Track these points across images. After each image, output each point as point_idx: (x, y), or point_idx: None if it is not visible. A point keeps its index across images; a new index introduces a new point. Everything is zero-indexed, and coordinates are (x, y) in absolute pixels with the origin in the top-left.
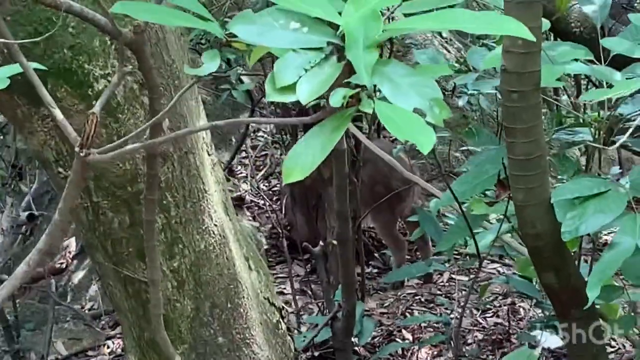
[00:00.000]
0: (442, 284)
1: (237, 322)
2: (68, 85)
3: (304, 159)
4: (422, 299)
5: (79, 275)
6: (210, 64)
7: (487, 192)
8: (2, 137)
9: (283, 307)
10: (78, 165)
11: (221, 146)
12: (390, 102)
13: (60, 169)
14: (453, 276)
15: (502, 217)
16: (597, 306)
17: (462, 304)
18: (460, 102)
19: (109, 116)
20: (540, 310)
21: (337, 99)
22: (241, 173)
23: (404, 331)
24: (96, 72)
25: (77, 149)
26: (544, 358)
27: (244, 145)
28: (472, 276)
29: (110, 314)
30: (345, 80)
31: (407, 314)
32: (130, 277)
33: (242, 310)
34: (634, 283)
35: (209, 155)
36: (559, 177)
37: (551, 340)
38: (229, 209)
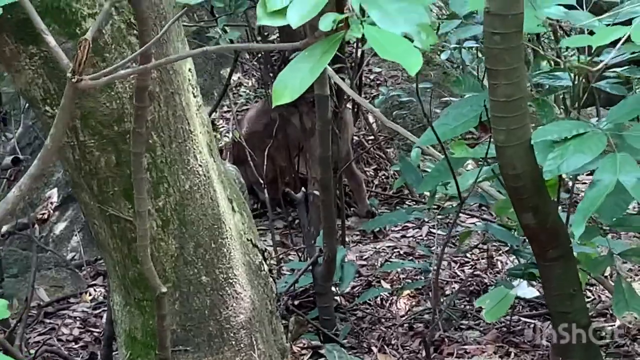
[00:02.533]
0: (420, 237)
1: (221, 261)
2: (56, 23)
3: (292, 81)
4: (401, 252)
5: (60, 227)
6: None
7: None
8: None
9: (265, 249)
10: (70, 91)
11: (203, 101)
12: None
13: (47, 107)
14: (432, 230)
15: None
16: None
17: (440, 252)
18: (443, 56)
19: (96, 55)
20: (517, 262)
21: (326, 23)
22: (223, 127)
23: (382, 281)
24: (84, 11)
25: (69, 75)
26: (520, 307)
27: (227, 100)
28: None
29: (91, 264)
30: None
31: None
32: (116, 216)
33: (225, 250)
34: (607, 222)
35: (194, 97)
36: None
37: (527, 290)
38: (214, 150)
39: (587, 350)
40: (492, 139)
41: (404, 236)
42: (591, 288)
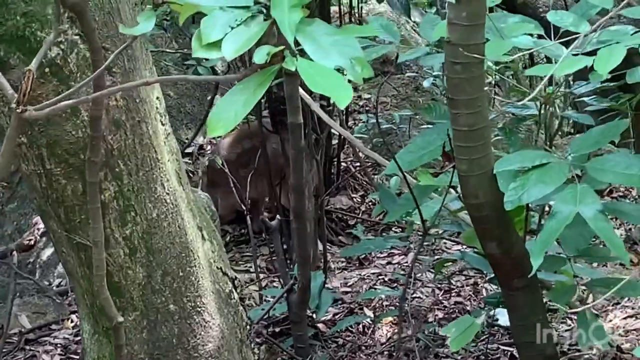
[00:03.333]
0: (406, 264)
1: (189, 289)
2: (21, 52)
3: (227, 114)
4: (386, 279)
5: (47, 252)
6: (145, 23)
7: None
8: None
9: (236, 278)
10: (15, 121)
11: (191, 126)
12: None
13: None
14: (418, 257)
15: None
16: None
17: (417, 279)
18: (426, 84)
19: (61, 84)
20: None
21: (261, 56)
22: (208, 151)
23: (365, 308)
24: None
25: (13, 105)
26: (499, 335)
27: None
28: (435, 257)
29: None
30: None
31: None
32: (83, 244)
33: (193, 278)
34: (571, 253)
35: (162, 125)
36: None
37: (505, 317)
38: (183, 178)
39: None
40: (456, 168)
41: (389, 263)
42: (572, 317)
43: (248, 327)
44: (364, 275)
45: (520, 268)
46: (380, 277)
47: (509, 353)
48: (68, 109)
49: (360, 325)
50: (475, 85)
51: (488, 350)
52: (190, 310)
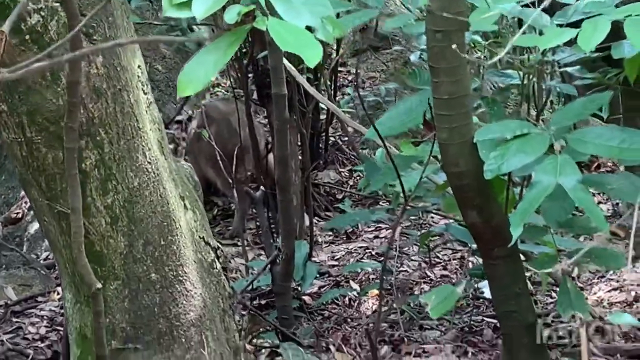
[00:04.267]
0: (394, 238)
1: (170, 259)
2: (1, 18)
3: (197, 74)
4: (373, 253)
5: (35, 226)
6: None
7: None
8: None
9: (218, 247)
10: None
11: (179, 100)
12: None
13: None
14: (405, 231)
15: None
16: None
17: (403, 253)
18: (413, 57)
19: (42, 51)
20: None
21: (231, 15)
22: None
23: (351, 281)
24: (29, 6)
25: None
26: (484, 307)
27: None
28: (422, 230)
29: None
30: None
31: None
32: (64, 213)
33: (175, 247)
34: (552, 225)
35: (144, 93)
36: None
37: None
38: (165, 148)
39: (532, 349)
40: (436, 137)
41: (376, 237)
42: (556, 289)
43: (231, 297)
44: (351, 249)
45: (500, 237)
46: (367, 250)
47: (492, 325)
48: (45, 73)
49: (347, 299)
50: (456, 53)
51: (472, 322)
52: (172, 279)
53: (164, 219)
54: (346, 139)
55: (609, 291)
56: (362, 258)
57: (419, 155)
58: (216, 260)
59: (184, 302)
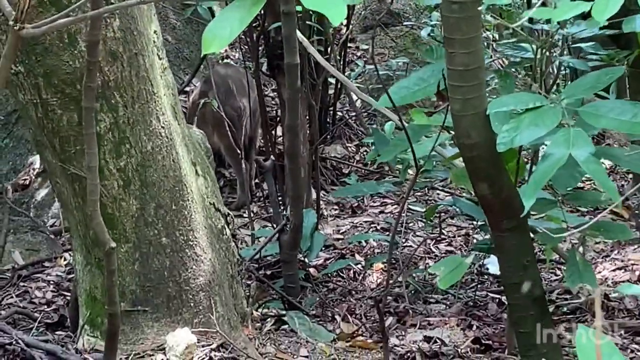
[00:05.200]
0: (398, 213)
1: (181, 223)
2: None
3: (222, 31)
4: (379, 227)
5: (42, 193)
6: None
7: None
8: None
9: (228, 214)
10: (13, 38)
11: (189, 71)
12: None
13: None
14: (410, 206)
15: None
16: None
17: (409, 228)
18: (423, 33)
19: (59, 11)
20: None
21: None
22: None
23: (356, 255)
24: None
25: (11, 23)
26: (489, 283)
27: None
28: (427, 206)
29: (68, 231)
30: None
31: (363, 240)
32: (77, 175)
33: (186, 212)
34: (562, 191)
35: (159, 58)
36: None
37: (495, 267)
38: (178, 114)
39: (540, 320)
40: (449, 108)
41: (382, 212)
42: (560, 267)
43: (239, 264)
44: (357, 223)
45: (510, 209)
46: (372, 225)
47: (497, 300)
48: (64, 34)
49: (351, 271)
50: (471, 24)
51: (476, 297)
52: (182, 244)
53: (176, 183)
54: (354, 113)
55: (613, 270)
56: (367, 232)
57: (431, 124)
58: (226, 227)
59: (194, 266)
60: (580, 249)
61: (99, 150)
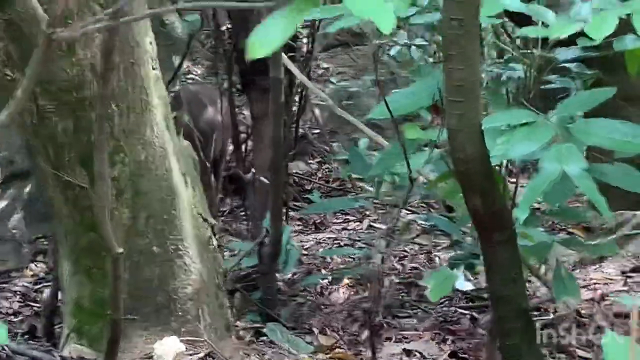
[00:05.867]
0: (361, 230)
1: (172, 233)
2: None
3: (270, 35)
4: (342, 243)
5: (2, 204)
6: None
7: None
8: None
9: (215, 224)
10: (45, 43)
11: None
12: None
13: (8, 71)
14: (372, 224)
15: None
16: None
17: (371, 245)
18: (392, 51)
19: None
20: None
21: None
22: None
23: (323, 270)
24: None
25: (44, 27)
26: (457, 299)
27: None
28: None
29: (32, 242)
30: None
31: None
32: (70, 183)
33: (177, 222)
34: (551, 205)
35: (153, 69)
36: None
37: (465, 283)
38: (170, 124)
39: (525, 333)
40: (444, 123)
41: (344, 228)
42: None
43: (225, 274)
44: (320, 239)
45: (501, 222)
46: (336, 241)
47: (468, 315)
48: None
49: (318, 287)
50: (470, 40)
51: (446, 313)
52: (172, 253)
53: (168, 193)
54: (316, 130)
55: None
56: (331, 248)
57: (423, 139)
58: (213, 237)
59: (183, 276)
60: (553, 263)
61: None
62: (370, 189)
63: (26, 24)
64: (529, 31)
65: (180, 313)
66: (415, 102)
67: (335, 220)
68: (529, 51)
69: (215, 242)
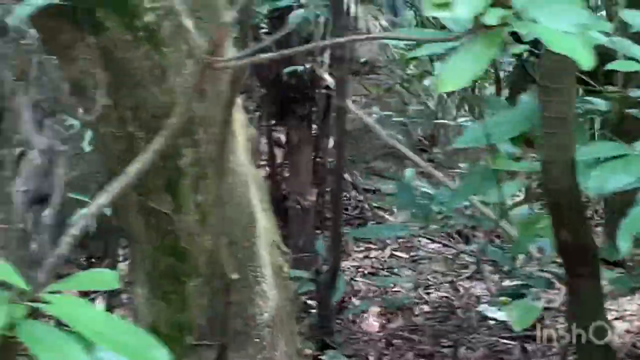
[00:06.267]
0: (383, 259)
1: (252, 260)
2: (117, 14)
3: (459, 72)
4: (365, 272)
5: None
6: None
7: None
8: None
9: (287, 252)
10: (202, 70)
11: None
12: None
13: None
14: (394, 252)
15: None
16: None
17: (395, 274)
18: (426, 82)
19: (153, 47)
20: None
21: (493, 17)
22: None
23: (353, 298)
24: (146, 4)
25: (203, 55)
26: (496, 328)
27: None
28: (411, 254)
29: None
30: None
31: (352, 283)
32: (155, 208)
33: (256, 249)
34: None
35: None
36: None
37: (498, 312)
38: (250, 150)
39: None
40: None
41: (366, 257)
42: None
43: (295, 302)
44: (343, 267)
45: (585, 255)
46: (359, 269)
47: (517, 346)
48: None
49: (350, 315)
50: (569, 74)
51: (496, 343)
52: (251, 280)
53: (249, 220)
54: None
55: (611, 320)
56: (354, 277)
57: (513, 169)
58: (285, 265)
59: (261, 302)
60: None
61: (180, 185)
62: (390, 218)
63: (120, 51)
64: (619, 65)
65: (257, 340)
66: (513, 128)
67: (356, 249)
68: (613, 86)
69: (287, 269)
